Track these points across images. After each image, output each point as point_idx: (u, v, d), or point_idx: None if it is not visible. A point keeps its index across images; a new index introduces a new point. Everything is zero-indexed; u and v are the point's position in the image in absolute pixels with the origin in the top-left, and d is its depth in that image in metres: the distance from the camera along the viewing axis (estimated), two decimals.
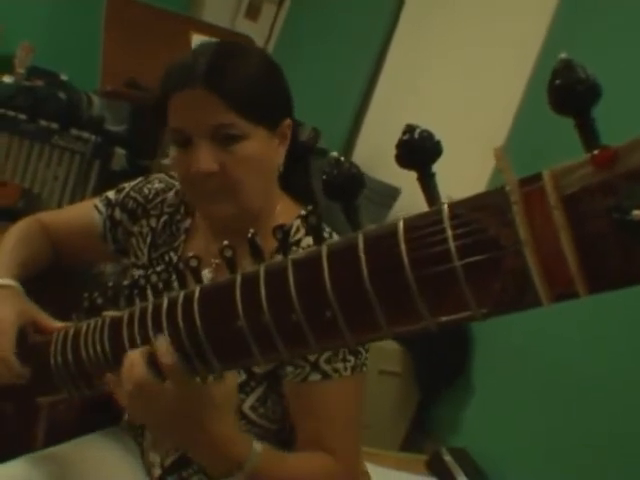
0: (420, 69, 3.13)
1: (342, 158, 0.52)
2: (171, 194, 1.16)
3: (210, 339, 0.65)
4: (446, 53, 2.99)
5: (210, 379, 0.72)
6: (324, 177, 0.52)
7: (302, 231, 1.00)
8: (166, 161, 2.99)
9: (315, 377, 0.93)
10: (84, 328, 0.83)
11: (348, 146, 3.41)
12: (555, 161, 0.43)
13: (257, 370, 0.98)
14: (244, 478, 0.77)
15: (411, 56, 3.24)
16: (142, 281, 0.76)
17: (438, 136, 0.48)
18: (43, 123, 2.99)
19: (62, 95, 3.08)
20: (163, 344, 0.68)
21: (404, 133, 0.47)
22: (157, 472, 1.09)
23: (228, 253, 0.63)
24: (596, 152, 0.41)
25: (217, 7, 4.37)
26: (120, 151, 3.07)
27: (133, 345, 0.73)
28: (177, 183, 1.17)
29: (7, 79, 3.25)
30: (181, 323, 0.67)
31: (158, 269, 0.74)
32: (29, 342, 0.99)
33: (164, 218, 1.15)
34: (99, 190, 1.26)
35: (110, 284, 0.82)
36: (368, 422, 0.99)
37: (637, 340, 1.81)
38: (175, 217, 1.14)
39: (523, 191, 0.43)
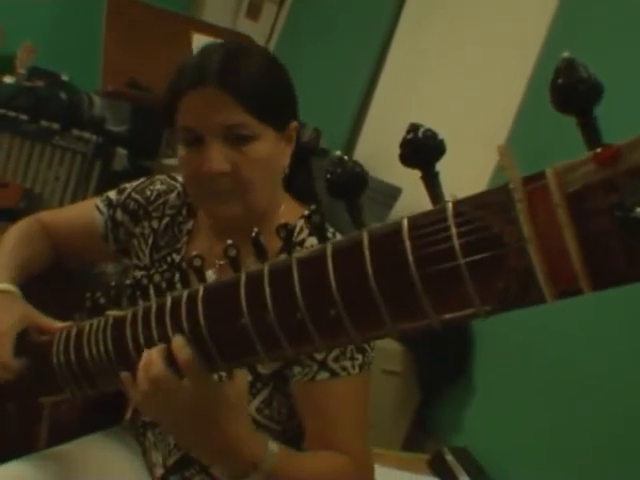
0: (420, 69, 3.14)
1: (346, 157, 0.52)
2: (173, 196, 1.16)
3: (214, 338, 0.65)
4: (446, 53, 2.99)
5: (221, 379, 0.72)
6: (328, 176, 0.52)
7: (306, 231, 1.00)
8: (168, 161, 2.99)
9: (323, 376, 0.93)
10: (87, 328, 0.83)
11: (349, 146, 3.41)
12: (555, 160, 0.43)
13: (263, 371, 0.98)
14: (260, 479, 0.76)
15: (411, 56, 3.24)
16: (145, 281, 0.76)
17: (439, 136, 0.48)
18: (44, 123, 2.99)
19: (63, 95, 3.08)
20: (179, 340, 0.67)
21: (408, 132, 0.47)
22: (159, 472, 1.09)
23: (232, 252, 0.63)
24: (599, 150, 0.41)
25: (218, 7, 4.37)
26: (121, 151, 3.07)
27: (136, 344, 0.73)
28: (179, 185, 1.17)
29: (8, 79, 3.25)
30: (185, 322, 0.67)
31: (161, 270, 0.74)
32: (31, 343, 0.99)
33: (166, 220, 1.15)
34: (100, 190, 1.26)
35: (113, 284, 0.82)
36: (370, 421, 0.98)
37: None
38: (177, 219, 1.14)
39: (527, 189, 0.43)
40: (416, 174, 0.48)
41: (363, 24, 3.56)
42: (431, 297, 0.47)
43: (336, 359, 0.93)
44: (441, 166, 0.48)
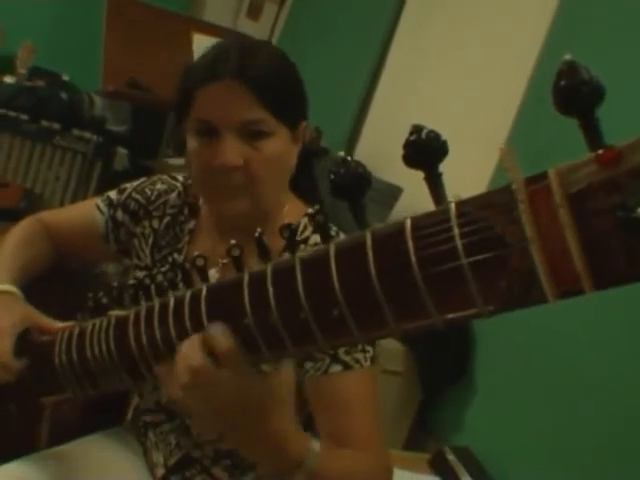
0: (420, 69, 3.14)
1: (349, 158, 0.52)
2: (174, 195, 1.16)
3: None
4: (446, 53, 2.99)
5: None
6: (331, 177, 0.52)
7: (310, 229, 0.99)
8: (168, 161, 3.00)
9: (336, 368, 0.93)
10: (89, 328, 0.83)
11: (349, 145, 3.41)
12: (556, 159, 0.43)
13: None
14: (302, 478, 0.73)
15: (411, 56, 3.24)
16: (147, 281, 0.75)
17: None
18: (45, 123, 3.00)
19: (64, 95, 3.08)
20: (218, 329, 0.63)
21: (411, 133, 0.47)
22: (160, 472, 1.09)
23: (236, 252, 0.63)
24: (600, 151, 0.41)
25: (218, 7, 4.37)
26: (122, 151, 3.07)
27: (139, 344, 0.73)
28: (180, 184, 1.17)
29: (9, 79, 3.26)
30: (188, 322, 0.67)
31: (163, 269, 0.74)
32: (32, 343, 0.99)
33: (166, 219, 1.14)
34: (101, 190, 1.26)
35: (115, 284, 0.82)
36: None
37: None
38: (178, 218, 1.14)
39: (529, 189, 0.43)
40: (417, 174, 0.49)
41: (363, 24, 3.56)
42: (434, 297, 0.47)
43: (347, 352, 0.92)
44: (441, 166, 0.48)
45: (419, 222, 0.48)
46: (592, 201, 0.41)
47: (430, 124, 0.49)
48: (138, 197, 1.17)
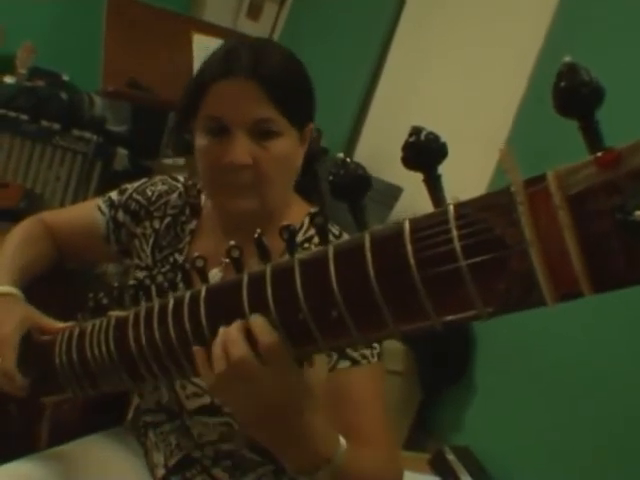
0: (420, 69, 3.14)
1: (348, 159, 0.52)
2: (174, 196, 1.16)
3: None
4: (446, 53, 2.99)
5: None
6: (331, 178, 0.52)
7: (313, 228, 0.99)
8: (169, 161, 3.00)
9: (344, 364, 0.92)
10: (89, 328, 0.83)
11: (349, 145, 3.41)
12: (555, 160, 0.43)
13: None
14: (330, 475, 0.72)
15: (411, 56, 3.24)
16: (147, 281, 0.76)
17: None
18: (45, 123, 2.99)
19: (64, 95, 3.08)
20: (260, 321, 0.60)
21: (410, 135, 0.48)
22: (161, 472, 1.09)
23: (235, 254, 0.63)
24: (600, 154, 0.41)
25: (218, 7, 4.37)
26: (122, 151, 3.06)
27: (139, 345, 0.73)
28: (180, 185, 1.17)
29: (9, 80, 3.25)
30: (187, 323, 0.67)
31: (163, 270, 0.73)
32: (33, 343, 0.99)
33: (167, 220, 1.14)
34: (101, 190, 1.26)
35: (115, 284, 0.82)
36: None
37: None
38: (179, 219, 1.14)
39: (528, 191, 0.43)
40: (417, 174, 0.49)
41: (363, 24, 3.56)
42: (433, 299, 0.47)
43: (354, 348, 0.91)
44: (441, 167, 0.48)
45: (418, 224, 0.48)
46: (591, 203, 0.41)
47: (430, 124, 0.49)
48: (139, 198, 1.17)
